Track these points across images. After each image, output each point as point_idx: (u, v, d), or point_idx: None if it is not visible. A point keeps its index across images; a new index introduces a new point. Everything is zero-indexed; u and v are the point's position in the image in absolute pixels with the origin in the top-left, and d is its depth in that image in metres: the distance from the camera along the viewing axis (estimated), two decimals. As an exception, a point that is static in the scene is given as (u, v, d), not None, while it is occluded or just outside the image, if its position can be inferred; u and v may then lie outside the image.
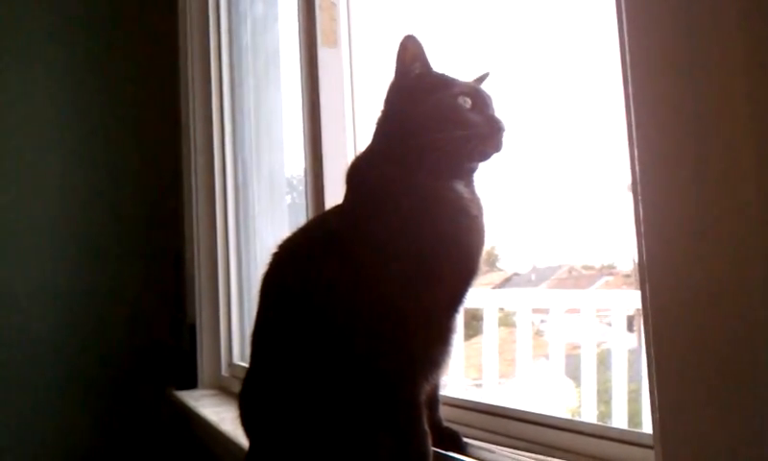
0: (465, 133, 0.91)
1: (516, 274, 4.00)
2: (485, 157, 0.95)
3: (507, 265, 3.90)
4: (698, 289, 0.57)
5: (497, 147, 0.94)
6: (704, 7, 0.56)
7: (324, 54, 1.46)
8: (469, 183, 0.95)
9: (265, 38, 2.18)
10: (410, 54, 0.96)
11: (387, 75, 1.00)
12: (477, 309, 3.08)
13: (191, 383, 2.22)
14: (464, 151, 0.92)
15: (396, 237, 0.89)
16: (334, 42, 1.47)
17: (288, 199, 2.15)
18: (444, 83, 0.96)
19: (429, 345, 0.90)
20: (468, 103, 0.94)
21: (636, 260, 0.64)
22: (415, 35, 0.96)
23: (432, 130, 0.92)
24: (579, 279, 3.83)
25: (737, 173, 0.54)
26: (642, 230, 0.62)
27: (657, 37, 0.61)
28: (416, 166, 0.91)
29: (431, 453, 0.89)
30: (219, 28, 2.26)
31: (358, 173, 0.99)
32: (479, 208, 0.94)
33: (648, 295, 0.62)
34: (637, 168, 0.62)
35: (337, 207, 1.02)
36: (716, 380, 0.56)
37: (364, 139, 1.03)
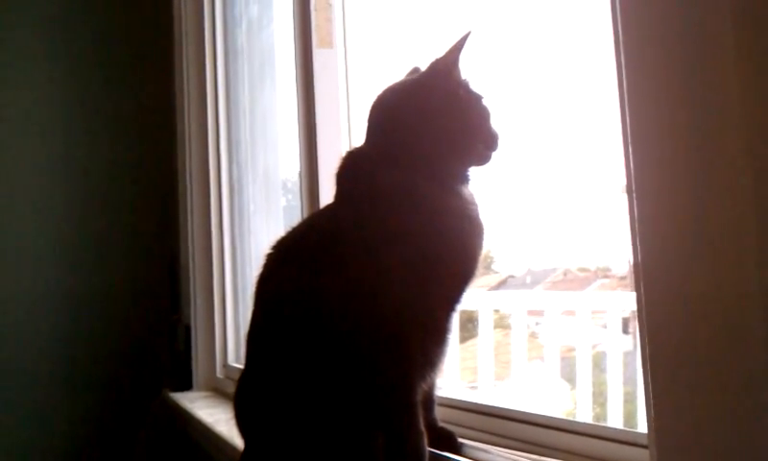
0: (492, 148, 0.94)
1: (511, 276, 3.99)
2: (481, 165, 0.97)
3: (502, 267, 3.89)
4: (692, 291, 0.57)
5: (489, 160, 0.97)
6: (698, 9, 0.56)
7: (319, 55, 1.46)
8: (467, 184, 0.96)
9: (260, 40, 2.18)
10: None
11: (385, 75, 1.00)
12: (473, 311, 3.07)
13: (186, 385, 2.21)
14: (480, 159, 0.94)
15: (399, 244, 0.88)
16: (329, 44, 1.47)
17: (283, 201, 2.15)
18: (476, 89, 0.97)
19: (426, 344, 0.90)
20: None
21: (632, 262, 0.65)
22: None
23: (468, 133, 0.94)
24: (574, 281, 3.83)
25: (732, 175, 0.54)
26: (637, 231, 0.62)
27: (651, 39, 0.61)
28: (421, 171, 0.91)
29: (427, 454, 0.89)
30: (214, 29, 2.26)
31: (353, 172, 0.98)
32: (476, 208, 0.95)
33: (643, 296, 0.62)
34: (632, 170, 0.62)
35: (330, 207, 1.02)
36: (710, 381, 0.56)
37: (359, 142, 1.02)
